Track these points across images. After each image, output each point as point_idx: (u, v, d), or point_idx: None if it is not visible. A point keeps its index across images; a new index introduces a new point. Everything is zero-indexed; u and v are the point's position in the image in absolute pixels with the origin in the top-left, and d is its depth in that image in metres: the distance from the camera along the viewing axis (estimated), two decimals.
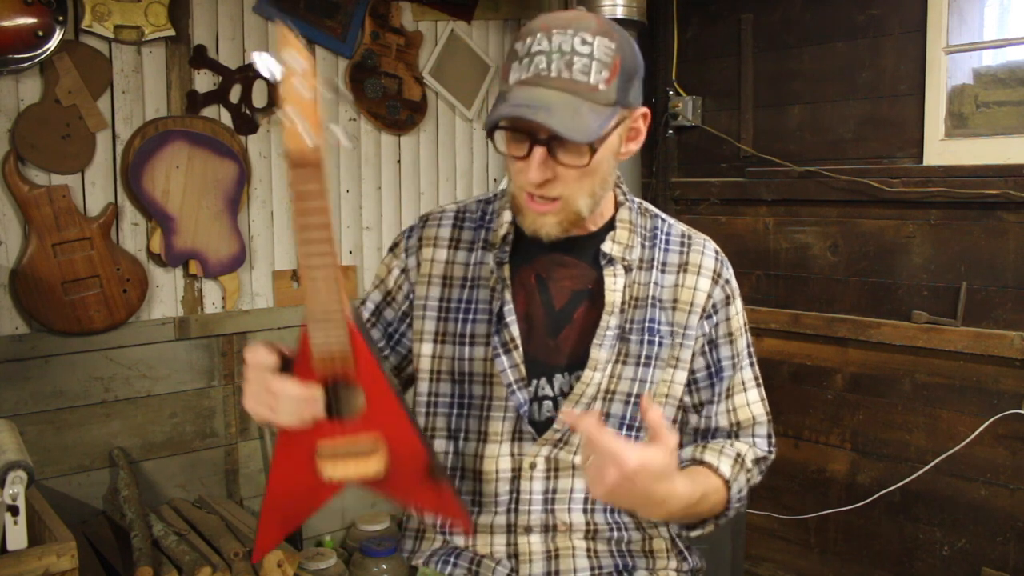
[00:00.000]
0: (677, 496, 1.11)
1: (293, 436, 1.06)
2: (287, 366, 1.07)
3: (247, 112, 2.68)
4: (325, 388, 1.06)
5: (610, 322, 1.26)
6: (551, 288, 1.29)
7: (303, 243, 0.96)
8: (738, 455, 1.31)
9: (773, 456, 1.37)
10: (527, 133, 1.14)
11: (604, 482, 1.03)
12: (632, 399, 1.28)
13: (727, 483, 1.26)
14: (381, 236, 3.00)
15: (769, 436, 1.37)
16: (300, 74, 0.87)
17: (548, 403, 1.28)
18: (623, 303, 1.27)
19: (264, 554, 1.10)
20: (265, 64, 0.90)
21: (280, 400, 1.04)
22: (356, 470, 1.07)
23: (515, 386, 1.26)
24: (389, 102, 2.96)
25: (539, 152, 1.14)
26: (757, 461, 1.35)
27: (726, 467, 1.27)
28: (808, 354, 2.89)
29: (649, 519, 1.28)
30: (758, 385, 1.37)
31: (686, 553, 1.37)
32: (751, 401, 1.35)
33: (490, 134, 1.16)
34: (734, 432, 1.34)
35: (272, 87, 2.72)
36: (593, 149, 1.15)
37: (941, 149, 2.58)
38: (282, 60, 0.87)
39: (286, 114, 0.87)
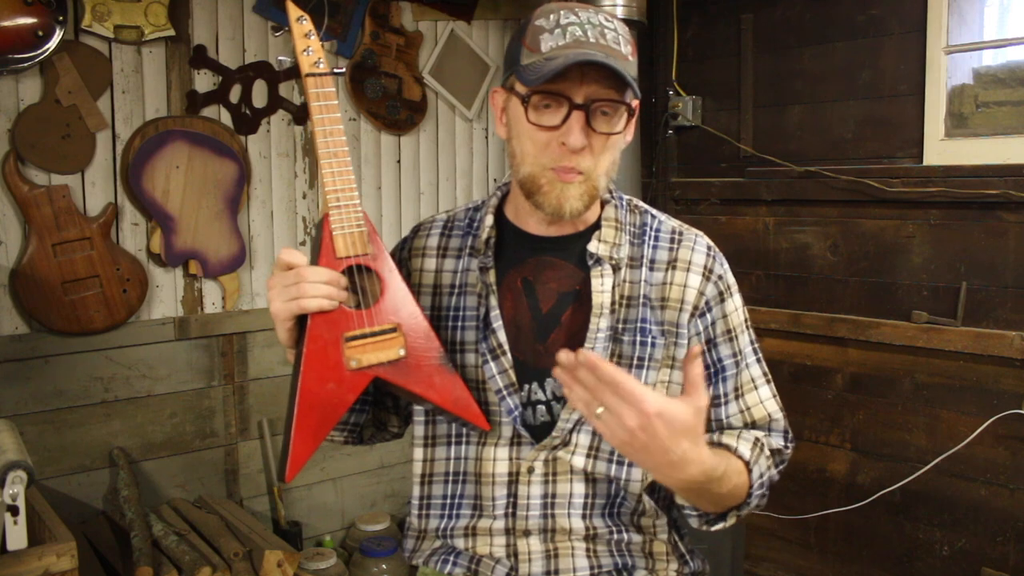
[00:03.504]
0: (699, 461, 1.04)
1: (320, 332, 1.14)
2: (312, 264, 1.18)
3: (247, 112, 2.68)
4: (348, 276, 1.18)
5: (600, 324, 1.24)
6: (538, 291, 1.28)
7: (321, 135, 1.19)
8: (756, 439, 1.25)
9: (790, 452, 1.31)
10: (566, 98, 1.15)
11: (624, 425, 0.98)
12: None
13: (748, 465, 1.20)
14: (381, 236, 2.99)
15: (786, 432, 1.32)
16: (307, 26, 1.21)
17: (542, 407, 1.27)
18: (613, 303, 1.26)
19: (298, 468, 1.13)
20: (281, 29, 1.25)
21: (309, 283, 1.12)
22: (381, 355, 1.17)
23: (504, 392, 1.25)
24: (389, 102, 2.96)
25: (579, 117, 1.15)
26: (774, 452, 1.29)
27: (745, 449, 1.21)
28: (808, 354, 2.89)
29: (668, 484, 1.10)
30: (768, 381, 1.33)
31: (687, 557, 1.36)
32: (764, 399, 1.31)
33: (526, 99, 1.17)
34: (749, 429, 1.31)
35: (273, 82, 2.72)
36: (631, 112, 1.19)
37: (941, 149, 2.58)
38: (294, 22, 1.22)
39: (305, 50, 1.20)
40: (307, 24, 1.21)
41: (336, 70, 1.24)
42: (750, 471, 1.21)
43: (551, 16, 1.18)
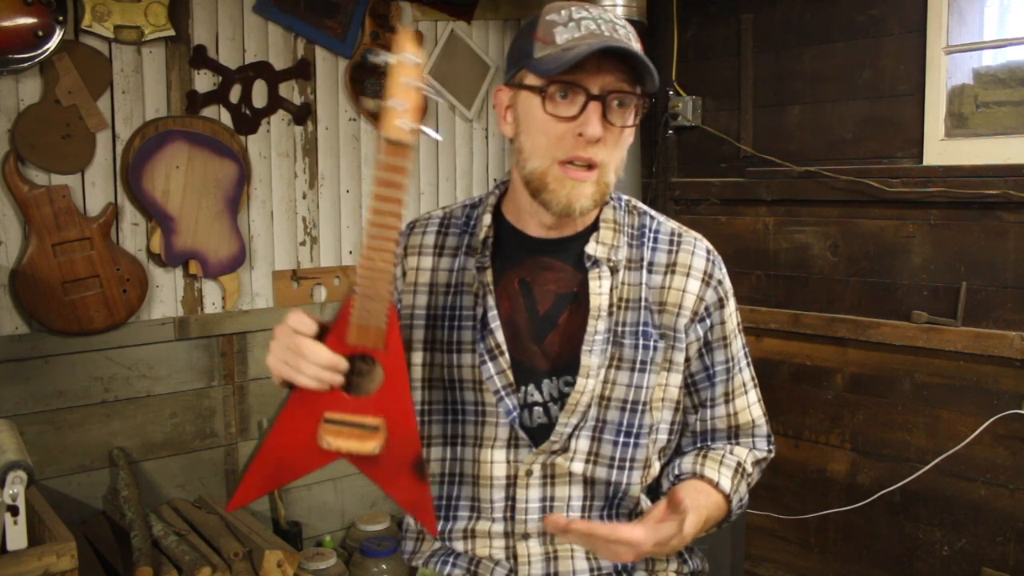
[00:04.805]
0: (690, 539, 1.16)
1: (304, 399, 1.12)
2: (320, 334, 1.13)
3: (247, 112, 2.68)
4: (350, 361, 1.12)
5: (598, 327, 1.23)
6: (535, 292, 1.28)
7: (377, 213, 1.05)
8: (738, 464, 1.31)
9: (773, 454, 1.38)
10: (582, 88, 1.14)
11: (625, 558, 1.12)
12: (629, 405, 1.26)
13: (727, 497, 1.28)
14: None
15: (768, 436, 1.37)
16: (412, 69, 1.01)
17: (539, 409, 1.27)
18: (611, 306, 1.25)
19: (240, 505, 1.16)
20: (382, 58, 1.04)
21: (307, 362, 1.09)
22: (354, 445, 1.12)
23: (503, 392, 1.24)
24: None
25: (596, 107, 1.15)
26: (757, 463, 1.35)
27: (726, 482, 1.28)
28: (808, 354, 2.89)
29: None
30: (755, 386, 1.37)
31: (686, 556, 1.37)
32: (750, 403, 1.35)
33: (543, 89, 1.15)
34: (733, 434, 1.34)
35: (273, 82, 2.72)
36: (646, 105, 1.19)
37: (941, 149, 2.58)
38: (399, 56, 1.01)
39: (394, 101, 1.01)
40: (417, 68, 1.00)
41: (428, 131, 1.04)
42: (729, 500, 1.29)
43: (562, 12, 1.18)
